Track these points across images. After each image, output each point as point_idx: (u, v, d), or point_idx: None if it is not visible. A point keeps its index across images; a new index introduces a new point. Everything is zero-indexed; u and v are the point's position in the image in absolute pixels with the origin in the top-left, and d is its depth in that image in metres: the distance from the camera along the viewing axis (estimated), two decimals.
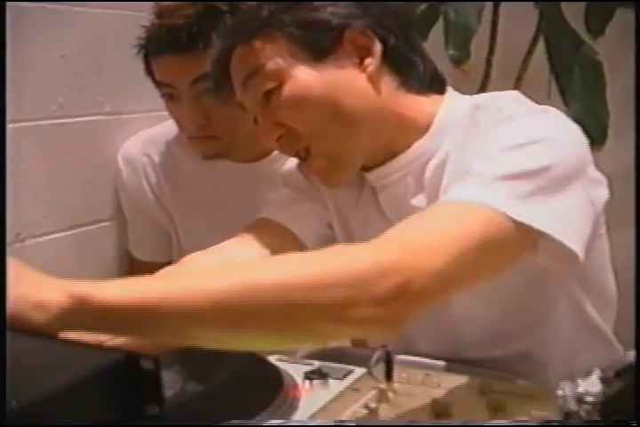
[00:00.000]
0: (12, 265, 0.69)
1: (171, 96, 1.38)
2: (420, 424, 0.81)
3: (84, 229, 1.50)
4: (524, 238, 0.83)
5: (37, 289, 0.68)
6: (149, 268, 1.57)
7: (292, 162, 1.48)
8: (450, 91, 1.09)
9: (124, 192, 1.55)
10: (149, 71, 1.41)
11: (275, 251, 1.06)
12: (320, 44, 1.01)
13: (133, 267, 1.61)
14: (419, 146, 1.04)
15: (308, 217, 1.15)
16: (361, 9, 1.02)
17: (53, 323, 0.67)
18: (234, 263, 0.77)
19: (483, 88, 1.90)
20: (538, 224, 0.83)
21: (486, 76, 1.95)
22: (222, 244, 1.08)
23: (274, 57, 1.01)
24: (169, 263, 1.58)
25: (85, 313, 0.67)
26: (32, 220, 1.39)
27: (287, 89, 1.01)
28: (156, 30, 1.34)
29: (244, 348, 0.81)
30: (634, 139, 1.81)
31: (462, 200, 0.84)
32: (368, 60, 1.02)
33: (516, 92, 1.05)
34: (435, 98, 1.07)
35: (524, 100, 1.02)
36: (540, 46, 1.90)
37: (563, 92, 1.72)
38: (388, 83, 1.04)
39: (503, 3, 1.95)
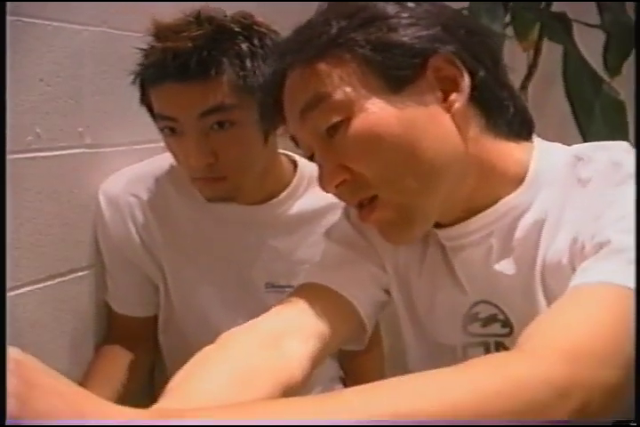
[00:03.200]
0: None
1: (172, 130, 1.18)
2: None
3: (57, 280, 1.29)
4: None
5: None
6: (131, 322, 1.39)
7: (301, 204, 1.32)
8: (534, 136, 0.93)
9: (105, 237, 1.34)
10: (145, 101, 1.21)
11: (329, 323, 0.89)
12: (399, 72, 0.83)
13: (112, 321, 1.40)
14: (510, 200, 0.88)
15: (364, 281, 0.97)
16: (446, 32, 0.85)
17: None
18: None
19: None
20: None
21: None
22: (263, 316, 0.90)
23: (342, 84, 0.83)
24: (154, 318, 1.40)
25: None
26: None
27: (357, 125, 0.83)
28: (157, 55, 1.14)
29: None
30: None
31: (616, 285, 0.70)
32: (454, 96, 0.84)
33: (625, 144, 0.90)
34: (524, 145, 0.91)
35: (631, 151, 0.88)
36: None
37: (583, 133, 1.60)
38: (474, 124, 0.87)
39: None
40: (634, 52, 1.74)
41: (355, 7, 0.86)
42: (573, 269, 0.81)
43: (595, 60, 1.75)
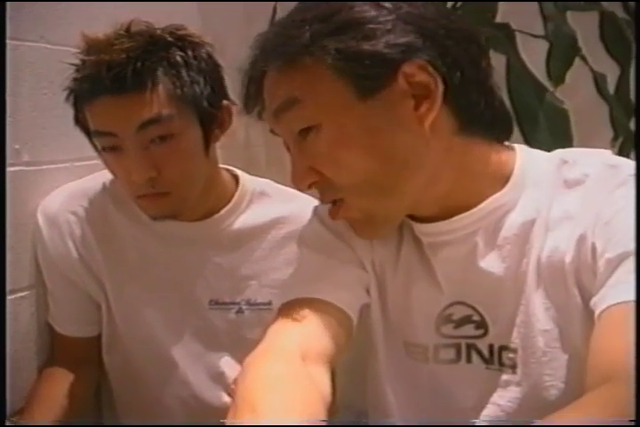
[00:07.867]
0: None
1: (112, 149, 1.15)
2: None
3: None
4: None
5: None
6: (74, 343, 1.34)
7: (244, 219, 1.30)
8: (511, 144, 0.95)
9: (45, 256, 1.31)
10: (80, 120, 1.19)
11: (333, 340, 0.90)
12: (370, 82, 0.83)
13: (55, 342, 1.36)
14: (496, 199, 0.89)
15: (351, 285, 0.97)
16: (422, 38, 0.83)
17: None
18: None
19: None
20: None
21: None
22: (269, 342, 0.89)
23: (311, 91, 0.84)
24: (97, 338, 1.37)
25: None
26: None
27: (326, 133, 0.84)
28: (91, 68, 1.12)
29: None
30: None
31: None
32: (426, 105, 0.83)
33: (609, 151, 0.92)
34: (505, 147, 0.92)
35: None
36: None
37: (528, 141, 1.61)
38: (447, 128, 0.86)
39: None
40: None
41: (331, 9, 0.84)
42: (577, 268, 0.84)
43: (539, 69, 1.76)
